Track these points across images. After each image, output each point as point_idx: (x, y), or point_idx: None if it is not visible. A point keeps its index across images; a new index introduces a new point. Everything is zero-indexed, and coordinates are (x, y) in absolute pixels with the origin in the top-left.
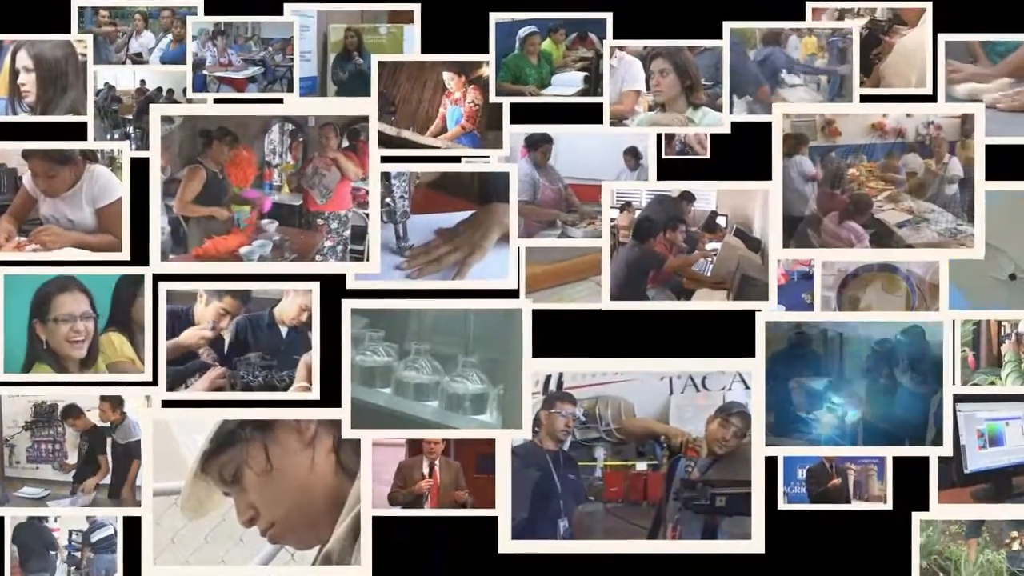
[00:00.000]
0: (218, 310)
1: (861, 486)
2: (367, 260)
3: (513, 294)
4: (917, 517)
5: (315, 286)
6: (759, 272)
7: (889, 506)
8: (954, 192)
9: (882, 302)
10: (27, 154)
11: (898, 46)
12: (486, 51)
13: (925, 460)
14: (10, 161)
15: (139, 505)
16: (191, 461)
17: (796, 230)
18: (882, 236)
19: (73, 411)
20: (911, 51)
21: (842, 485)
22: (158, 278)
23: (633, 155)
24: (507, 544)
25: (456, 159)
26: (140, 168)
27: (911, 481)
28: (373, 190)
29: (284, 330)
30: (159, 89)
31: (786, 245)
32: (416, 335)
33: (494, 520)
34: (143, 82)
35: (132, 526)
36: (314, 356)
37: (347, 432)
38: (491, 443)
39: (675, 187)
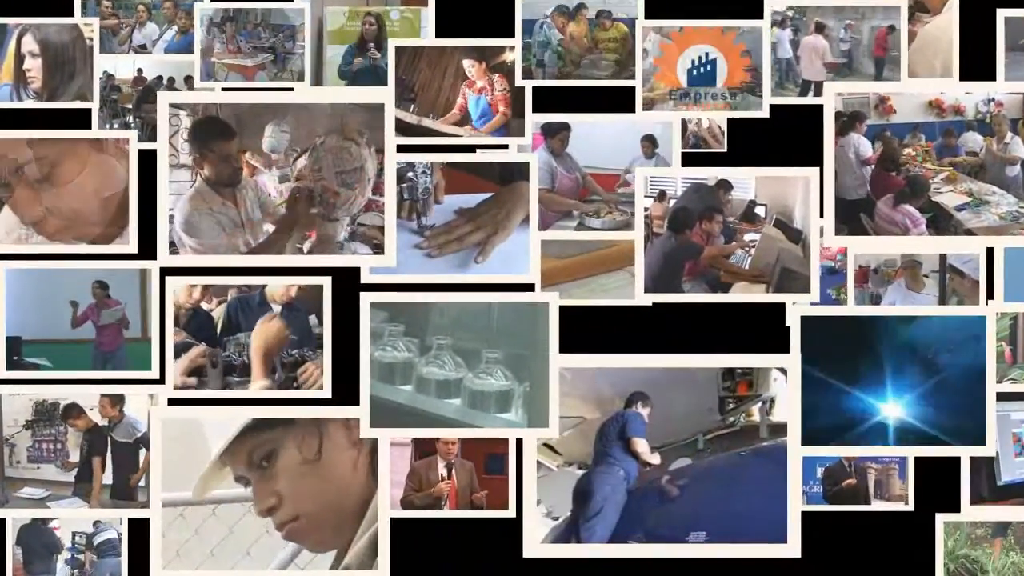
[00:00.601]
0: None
1: (882, 486)
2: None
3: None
4: (941, 519)
5: (327, 281)
6: (800, 265)
7: (911, 507)
8: (1016, 173)
9: (907, 300)
10: (32, 143)
11: (921, 34)
12: (504, 34)
13: (954, 461)
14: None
15: (143, 506)
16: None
17: (848, 216)
18: (940, 220)
19: (74, 410)
20: (935, 39)
21: (859, 485)
22: (165, 272)
23: (650, 142)
24: (533, 548)
25: (473, 148)
26: (146, 158)
27: (936, 482)
28: (389, 180)
29: (277, 308)
30: (159, 78)
31: (838, 232)
32: (437, 329)
33: (513, 523)
34: (140, 71)
35: (136, 529)
36: (326, 353)
37: (365, 431)
38: (501, 443)
39: (712, 174)
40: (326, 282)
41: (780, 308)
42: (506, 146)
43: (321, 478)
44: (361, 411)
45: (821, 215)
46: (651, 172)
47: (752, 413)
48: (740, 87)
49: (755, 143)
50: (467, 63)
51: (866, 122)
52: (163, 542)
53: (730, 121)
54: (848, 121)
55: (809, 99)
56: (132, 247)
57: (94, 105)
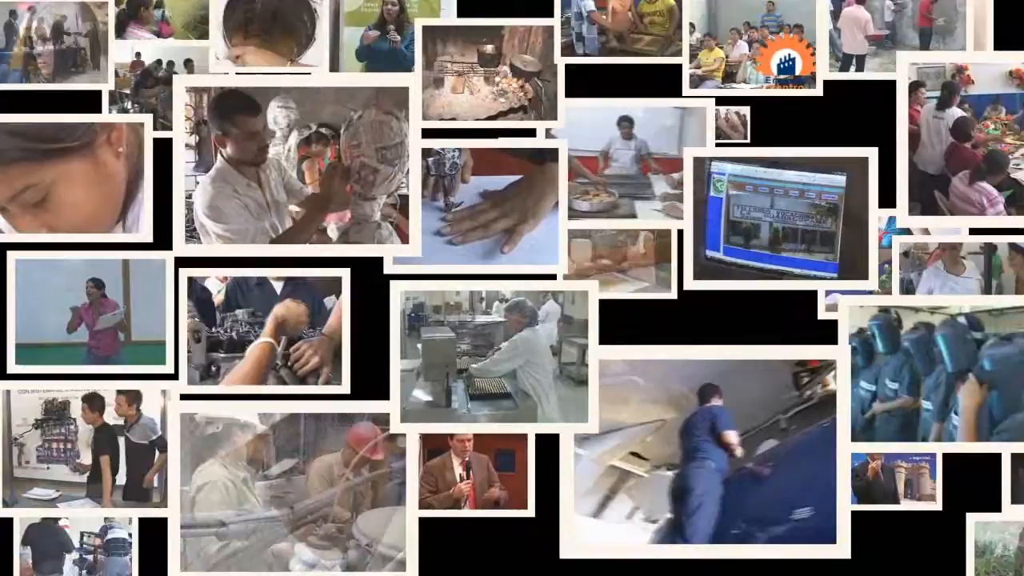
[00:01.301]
0: None
1: (913, 485)
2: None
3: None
4: (972, 519)
5: (346, 272)
6: None
7: (939, 506)
8: None
9: (946, 286)
10: None
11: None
12: (524, 13)
13: (994, 458)
14: None
15: (158, 505)
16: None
17: (922, 193)
18: (1019, 198)
19: (96, 401)
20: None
21: (886, 481)
22: (180, 263)
23: (628, 124)
24: (570, 549)
25: (499, 133)
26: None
27: (968, 481)
28: (414, 166)
29: (279, 285)
30: (158, 62)
31: (911, 212)
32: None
33: (532, 522)
34: (138, 55)
35: (147, 528)
36: (344, 347)
37: (396, 427)
38: (512, 438)
39: (770, 154)
40: (345, 274)
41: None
42: (534, 131)
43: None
44: (391, 406)
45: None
46: (697, 153)
47: (827, 383)
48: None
49: (809, 122)
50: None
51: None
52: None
53: (782, 100)
54: (946, 95)
55: (860, 74)
56: (147, 236)
57: (105, 87)
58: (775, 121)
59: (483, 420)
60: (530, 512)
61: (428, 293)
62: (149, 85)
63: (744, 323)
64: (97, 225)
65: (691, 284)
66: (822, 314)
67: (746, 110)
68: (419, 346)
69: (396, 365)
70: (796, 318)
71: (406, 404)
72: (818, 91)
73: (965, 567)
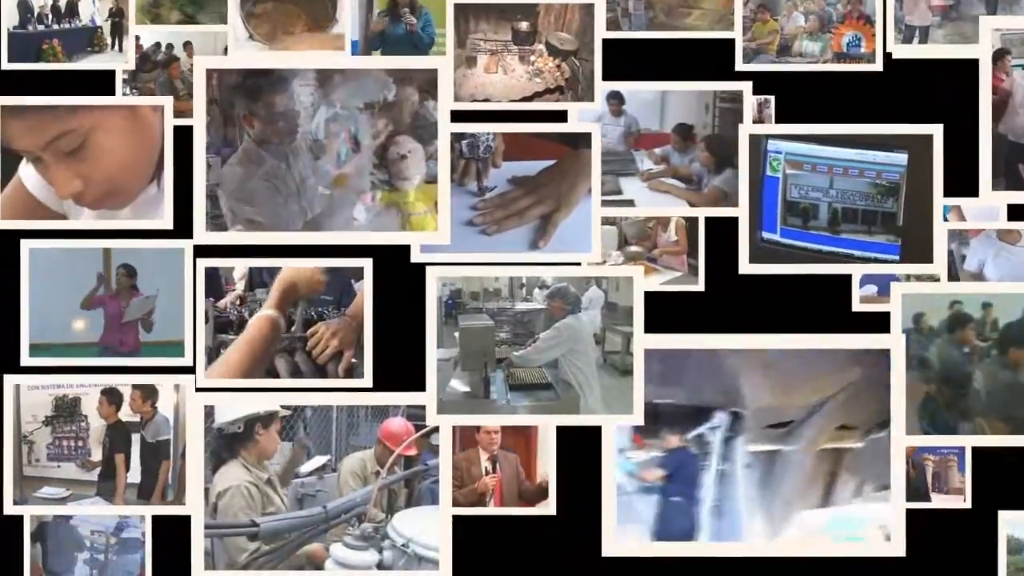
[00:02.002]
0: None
1: (940, 478)
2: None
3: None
4: (1004, 517)
5: (368, 263)
6: None
7: (968, 504)
8: None
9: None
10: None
11: None
12: None
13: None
14: None
15: (178, 503)
16: None
17: (1006, 166)
18: None
19: (114, 395)
20: None
21: (916, 476)
22: (199, 251)
23: (617, 100)
24: (612, 547)
25: (532, 116)
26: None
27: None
28: (443, 150)
29: None
30: (156, 45)
31: (995, 187)
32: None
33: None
34: (137, 38)
35: (162, 527)
36: (366, 338)
37: (432, 419)
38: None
39: (828, 130)
40: (367, 264)
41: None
42: (565, 113)
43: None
44: (428, 398)
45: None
46: (753, 130)
47: None
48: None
49: (870, 97)
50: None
51: None
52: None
53: (841, 75)
54: None
55: (928, 46)
56: (168, 223)
57: (119, 67)
58: (833, 96)
59: (523, 411)
60: (550, 510)
61: (465, 279)
62: (147, 69)
63: (801, 308)
64: (134, 178)
65: (747, 268)
66: (856, 306)
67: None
68: (456, 334)
69: (432, 354)
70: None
71: (443, 395)
72: (878, 65)
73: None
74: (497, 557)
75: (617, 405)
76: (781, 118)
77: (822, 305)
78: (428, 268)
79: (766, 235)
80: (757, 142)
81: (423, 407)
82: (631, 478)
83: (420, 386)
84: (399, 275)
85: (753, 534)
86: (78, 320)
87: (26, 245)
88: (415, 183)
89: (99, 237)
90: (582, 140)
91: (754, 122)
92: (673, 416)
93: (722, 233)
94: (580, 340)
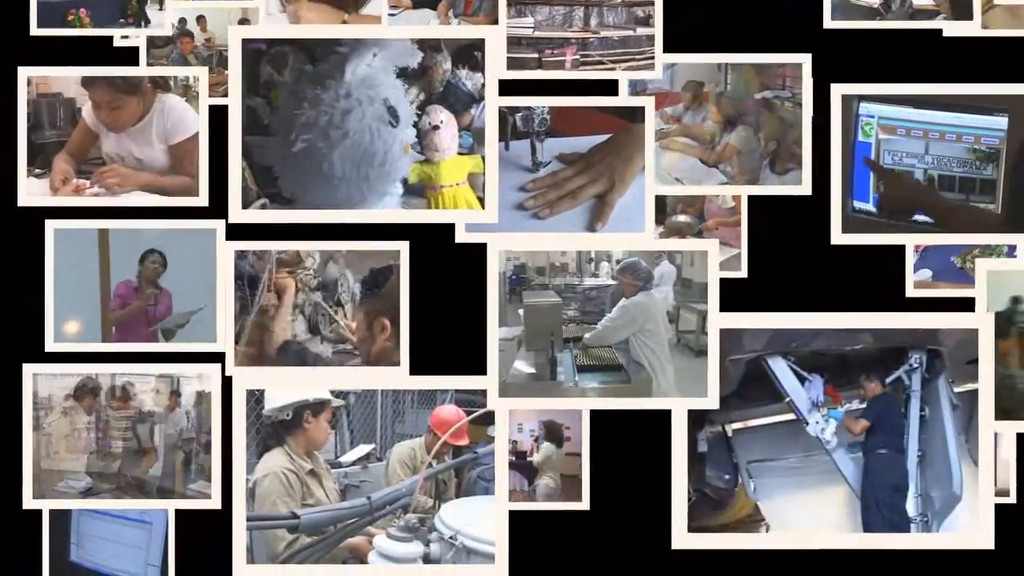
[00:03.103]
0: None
1: None
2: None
3: None
4: None
5: (404, 246)
6: None
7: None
8: None
9: None
10: (87, 82)
11: None
12: None
13: None
14: (67, 90)
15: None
16: None
17: None
18: None
19: (130, 390)
20: None
21: None
22: (233, 231)
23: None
24: (683, 539)
25: (583, 86)
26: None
27: None
28: (490, 125)
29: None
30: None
31: None
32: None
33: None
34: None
35: (186, 521)
36: (403, 323)
37: (493, 402)
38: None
39: (923, 91)
40: (403, 247)
41: None
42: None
43: None
44: (489, 381)
45: None
46: (845, 90)
47: None
48: None
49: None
50: None
51: None
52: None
53: (937, 33)
54: None
55: None
56: (203, 200)
57: (141, 40)
58: (929, 55)
59: (591, 394)
60: (583, 505)
61: (531, 254)
62: (160, 45)
63: (893, 281)
64: (162, 168)
65: (838, 239)
66: (910, 291)
67: None
68: (520, 312)
69: (494, 334)
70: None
71: (506, 377)
72: (976, 22)
73: None
74: (552, 551)
75: (692, 388)
76: (874, 78)
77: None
78: (489, 241)
79: (858, 204)
80: (848, 104)
81: (475, 392)
82: (834, 433)
83: (469, 369)
84: (443, 255)
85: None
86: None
87: (51, 225)
88: (448, 155)
89: (125, 217)
90: (636, 114)
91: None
92: (864, 361)
93: (789, 207)
94: (652, 318)
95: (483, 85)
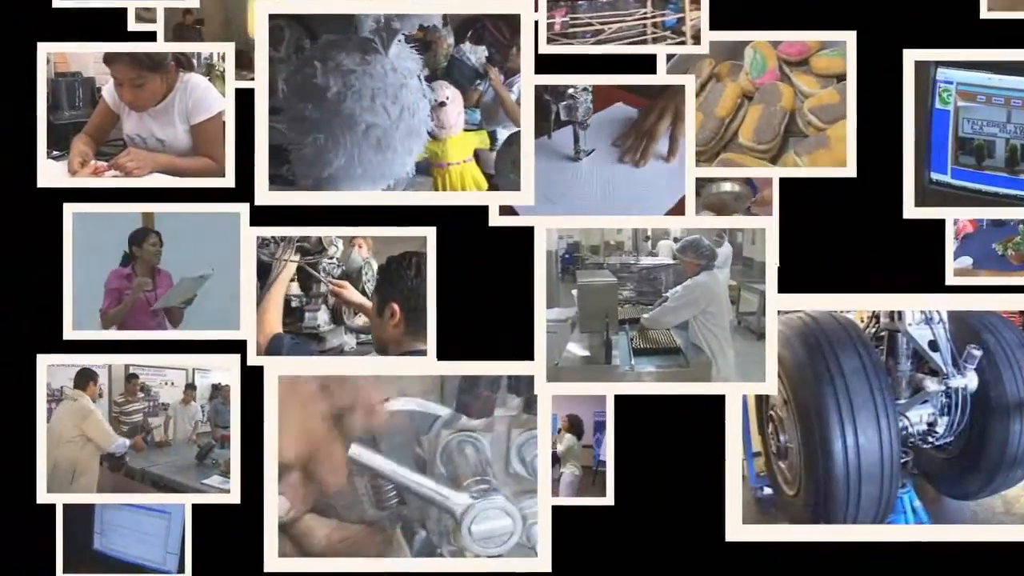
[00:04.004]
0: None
1: None
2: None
3: None
4: None
5: (431, 232)
6: None
7: None
8: None
9: None
10: (110, 58)
11: None
12: None
13: None
14: (86, 69)
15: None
16: None
17: None
18: None
19: (137, 380)
20: None
21: None
22: (258, 213)
23: None
24: (737, 531)
25: (629, 63)
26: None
27: None
28: (527, 103)
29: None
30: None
31: None
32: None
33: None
34: None
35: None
36: (429, 310)
37: (540, 387)
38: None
39: (1006, 57)
40: (430, 233)
41: None
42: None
43: None
44: (536, 367)
45: None
46: (920, 56)
47: None
48: None
49: None
50: None
51: None
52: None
53: None
54: None
55: None
56: (229, 180)
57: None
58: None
59: (648, 379)
60: (608, 500)
61: (584, 231)
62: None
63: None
64: (184, 150)
65: (912, 212)
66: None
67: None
68: (574, 292)
69: (541, 315)
70: None
71: (559, 360)
72: None
73: None
74: (601, 546)
75: (753, 372)
76: (952, 43)
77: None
78: (536, 220)
79: (935, 176)
80: (924, 70)
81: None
82: None
83: (505, 355)
84: (475, 239)
85: None
86: None
87: (69, 209)
88: (455, 132)
89: (145, 200)
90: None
91: None
92: None
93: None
94: (715, 300)
95: (487, 59)
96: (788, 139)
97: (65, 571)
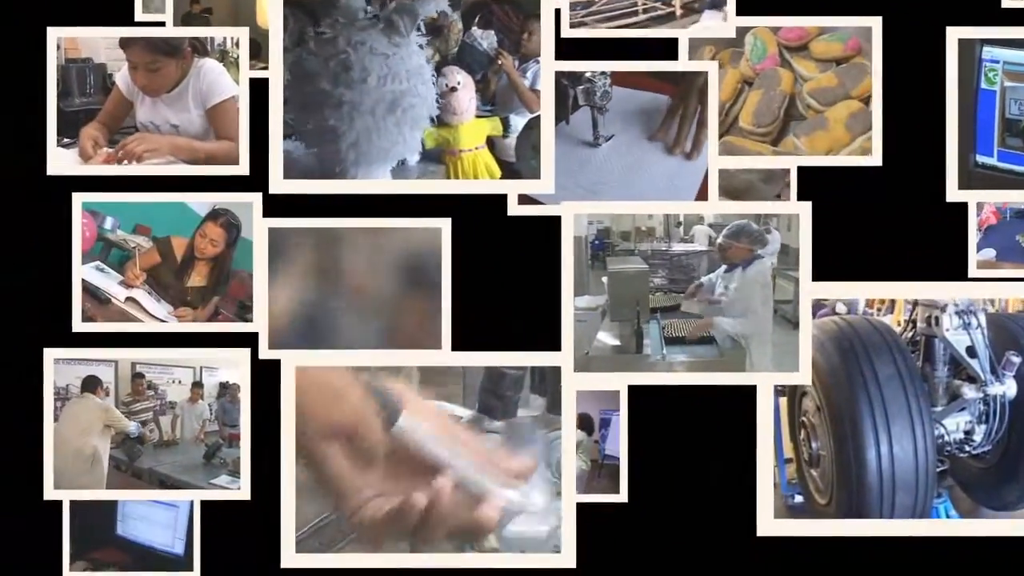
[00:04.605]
0: None
1: None
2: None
3: None
4: None
5: (446, 223)
6: None
7: None
8: None
9: None
10: (125, 42)
11: None
12: None
13: None
14: (97, 55)
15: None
16: None
17: None
18: None
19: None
20: None
21: None
22: (269, 208)
23: None
24: (769, 525)
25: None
26: None
27: None
28: (546, 88)
29: None
30: None
31: None
32: None
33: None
34: None
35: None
36: (444, 299)
37: (567, 377)
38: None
39: None
40: (445, 225)
41: None
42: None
43: None
44: (563, 357)
45: None
46: (963, 34)
47: None
48: None
49: None
50: None
51: None
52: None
53: None
54: None
55: None
56: (243, 168)
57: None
58: None
59: (679, 369)
60: (621, 497)
61: (614, 217)
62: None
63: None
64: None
65: (955, 195)
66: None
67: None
68: (604, 280)
69: (568, 304)
70: None
71: (590, 350)
72: None
73: None
74: (627, 545)
75: (787, 363)
76: (1000, 19)
77: None
78: (564, 204)
79: (980, 159)
80: (969, 48)
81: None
82: None
83: (527, 346)
84: (492, 229)
85: None
86: None
87: (78, 199)
88: (467, 118)
89: (155, 189)
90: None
91: None
92: None
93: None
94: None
95: (499, 42)
96: (788, 123)
97: (92, 551)
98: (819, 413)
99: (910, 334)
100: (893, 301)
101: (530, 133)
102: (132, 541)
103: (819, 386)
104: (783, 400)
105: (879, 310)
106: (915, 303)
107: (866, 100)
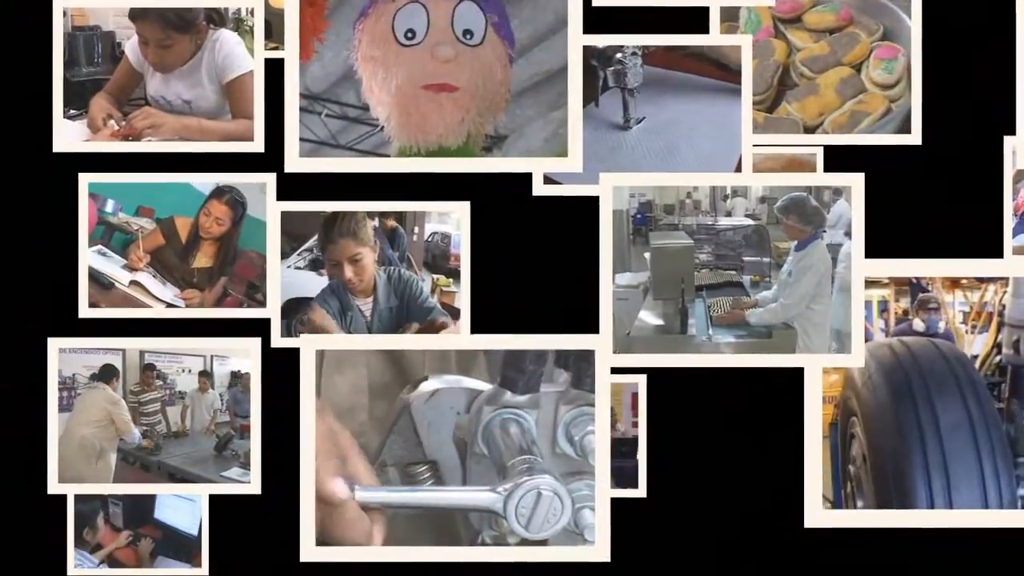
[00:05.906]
0: None
1: None
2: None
3: None
4: None
5: (464, 207)
6: None
7: None
8: None
9: None
10: (136, 14)
11: None
12: None
13: None
14: (106, 23)
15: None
16: None
17: None
18: None
19: (152, 370)
20: None
21: None
22: (285, 182)
23: None
24: (818, 516)
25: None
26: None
27: None
28: (574, 65)
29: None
30: None
31: None
32: None
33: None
34: None
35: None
36: (463, 283)
37: (603, 365)
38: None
39: None
40: (463, 209)
41: None
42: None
43: None
44: (601, 340)
45: None
46: None
47: None
48: None
49: None
50: None
51: None
52: None
53: None
54: None
55: None
56: (259, 146)
57: None
58: None
59: (726, 350)
60: (641, 492)
61: (658, 190)
62: None
63: None
64: (213, 111)
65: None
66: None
67: None
68: (647, 256)
69: (606, 284)
70: None
71: (631, 330)
72: None
73: None
74: (659, 538)
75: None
76: None
77: None
78: (602, 175)
79: None
80: None
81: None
82: None
83: (551, 328)
84: (516, 211)
85: None
86: None
87: (84, 179)
88: None
89: (166, 169)
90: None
91: None
92: None
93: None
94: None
95: None
96: (783, 92)
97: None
98: (864, 464)
99: (996, 360)
100: (990, 316)
101: None
102: (168, 524)
103: (864, 431)
104: (825, 443)
105: (974, 326)
106: (1000, 323)
107: (857, 67)
